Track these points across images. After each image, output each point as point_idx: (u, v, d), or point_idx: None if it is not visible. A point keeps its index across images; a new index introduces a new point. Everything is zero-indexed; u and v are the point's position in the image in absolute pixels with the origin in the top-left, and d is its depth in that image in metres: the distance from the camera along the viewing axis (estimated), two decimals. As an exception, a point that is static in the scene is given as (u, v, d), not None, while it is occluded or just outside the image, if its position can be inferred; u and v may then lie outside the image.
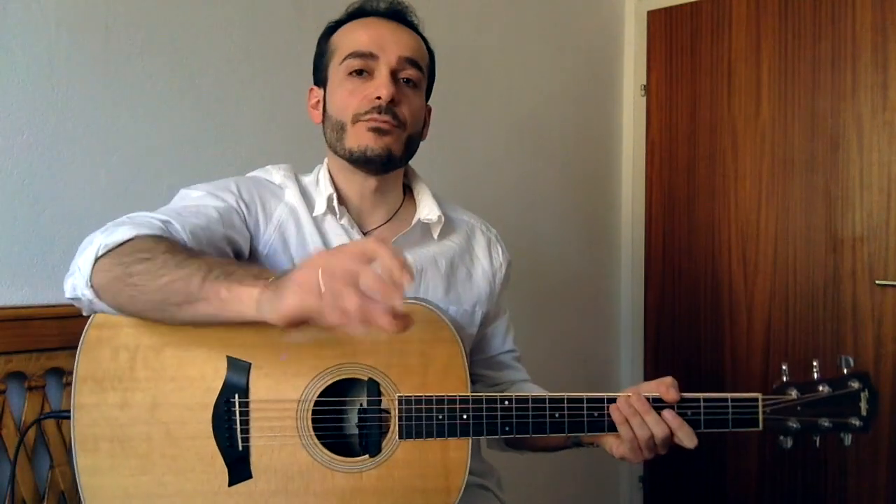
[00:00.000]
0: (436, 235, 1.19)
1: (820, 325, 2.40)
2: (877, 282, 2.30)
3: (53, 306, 1.31)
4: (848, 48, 2.34)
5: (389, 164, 1.11)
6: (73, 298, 0.95)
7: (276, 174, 1.16)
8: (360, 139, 1.08)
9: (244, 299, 0.80)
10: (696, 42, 2.65)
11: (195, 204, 1.06)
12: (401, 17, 1.15)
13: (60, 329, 1.24)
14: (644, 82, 2.78)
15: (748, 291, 2.56)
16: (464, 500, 1.18)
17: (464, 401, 0.99)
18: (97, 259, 0.89)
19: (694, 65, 2.65)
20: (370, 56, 1.08)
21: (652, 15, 2.75)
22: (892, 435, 2.29)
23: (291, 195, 1.14)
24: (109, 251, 0.89)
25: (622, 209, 2.85)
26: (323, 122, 1.15)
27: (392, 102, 1.07)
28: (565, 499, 2.57)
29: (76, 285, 0.92)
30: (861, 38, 2.32)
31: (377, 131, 1.07)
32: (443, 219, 1.17)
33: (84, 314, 0.97)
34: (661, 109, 2.75)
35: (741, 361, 2.56)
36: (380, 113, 1.06)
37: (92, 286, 0.90)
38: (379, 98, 1.06)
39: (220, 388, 0.99)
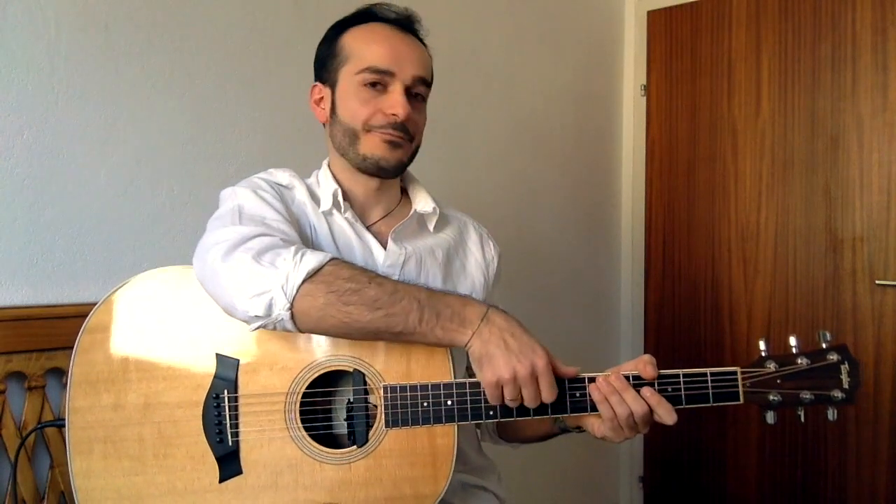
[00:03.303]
0: (431, 227, 1.23)
1: (820, 325, 2.40)
2: (877, 282, 2.30)
3: (53, 306, 1.31)
4: (848, 48, 2.34)
5: (398, 172, 1.18)
6: (254, 318, 0.95)
7: (281, 176, 1.18)
8: (375, 149, 1.13)
9: (456, 342, 0.97)
10: (696, 42, 2.65)
11: (274, 217, 1.07)
12: (413, 29, 1.18)
13: (60, 329, 1.24)
14: (644, 82, 2.78)
15: (748, 291, 2.56)
16: (463, 499, 1.18)
17: (448, 387, 1.00)
18: (301, 284, 0.94)
19: (694, 65, 2.65)
20: (387, 73, 1.12)
21: (652, 15, 2.75)
22: (892, 435, 2.29)
23: (300, 193, 1.17)
24: (310, 277, 0.94)
25: (622, 209, 2.85)
26: (330, 123, 1.18)
27: (407, 119, 1.12)
28: (565, 499, 2.57)
29: (272, 305, 0.94)
30: (861, 38, 2.32)
31: (391, 144, 1.12)
32: (437, 211, 1.22)
33: (250, 329, 0.98)
34: (661, 109, 2.75)
35: (742, 362, 2.54)
36: (394, 129, 1.11)
37: (292, 309, 0.94)
38: (395, 115, 1.11)
39: (209, 385, 1.01)
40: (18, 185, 1.29)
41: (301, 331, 0.97)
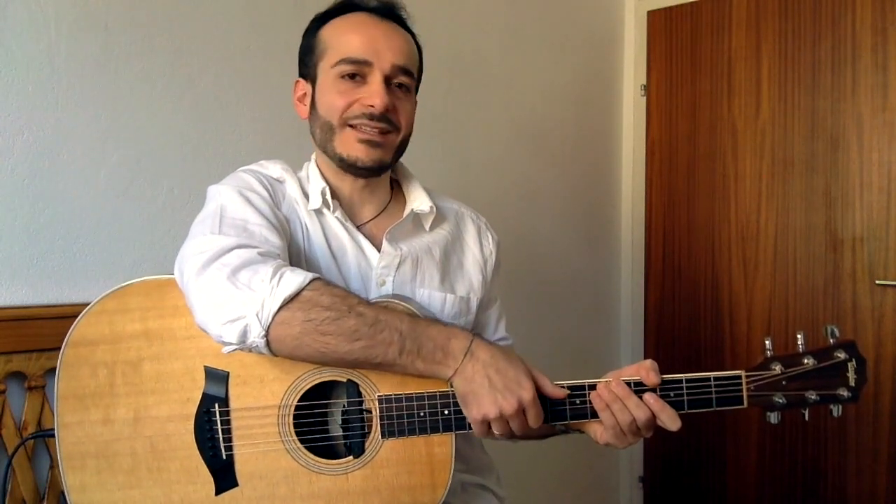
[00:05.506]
0: (427, 226, 1.19)
1: (820, 325, 2.39)
2: (877, 282, 2.30)
3: (53, 306, 1.31)
4: (848, 48, 2.34)
5: (381, 171, 1.14)
6: (228, 343, 0.92)
7: (272, 168, 1.16)
8: (350, 149, 1.08)
9: (438, 375, 0.95)
10: (696, 42, 2.65)
11: (256, 221, 1.03)
12: (392, 14, 1.14)
13: (60, 329, 1.23)
14: (644, 82, 2.78)
15: (748, 291, 2.56)
16: (463, 500, 1.17)
17: (444, 396, 0.98)
18: (277, 311, 0.90)
19: (694, 65, 2.65)
20: (364, 63, 1.07)
21: (652, 15, 2.75)
22: (892, 435, 2.29)
23: (292, 188, 1.14)
24: (287, 304, 0.90)
25: (622, 209, 2.85)
26: (310, 119, 1.15)
27: (385, 110, 1.07)
28: (565, 498, 2.57)
29: (247, 332, 0.90)
30: (861, 38, 2.32)
31: (369, 143, 1.08)
32: (434, 209, 1.18)
33: (223, 352, 0.95)
34: (661, 109, 2.75)
35: (741, 362, 2.56)
36: (371, 120, 1.07)
37: (267, 336, 0.91)
38: (372, 106, 1.06)
39: (199, 398, 0.99)
40: (18, 185, 1.29)
41: (276, 356, 0.94)
